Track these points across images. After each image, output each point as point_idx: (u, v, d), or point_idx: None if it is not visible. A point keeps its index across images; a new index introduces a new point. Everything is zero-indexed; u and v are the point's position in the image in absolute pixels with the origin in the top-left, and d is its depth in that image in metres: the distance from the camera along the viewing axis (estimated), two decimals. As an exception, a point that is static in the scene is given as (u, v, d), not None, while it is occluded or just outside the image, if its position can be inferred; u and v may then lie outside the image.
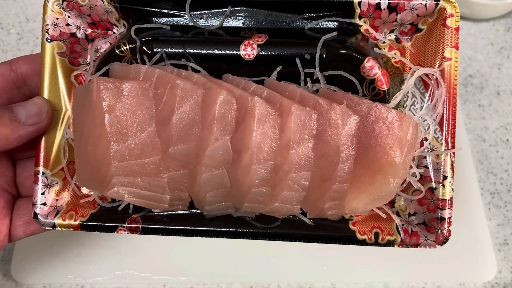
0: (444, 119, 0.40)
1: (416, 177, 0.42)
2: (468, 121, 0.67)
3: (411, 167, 0.41)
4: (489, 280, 0.58)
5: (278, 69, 0.41)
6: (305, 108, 0.38)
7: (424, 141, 0.41)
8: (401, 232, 0.42)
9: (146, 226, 0.43)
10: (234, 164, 0.39)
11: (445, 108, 0.40)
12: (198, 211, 0.43)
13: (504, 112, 0.68)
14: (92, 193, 0.45)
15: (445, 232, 0.41)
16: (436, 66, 0.40)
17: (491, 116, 0.68)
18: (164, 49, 0.41)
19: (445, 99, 0.40)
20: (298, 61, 0.40)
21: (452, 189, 0.41)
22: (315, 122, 0.38)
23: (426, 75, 0.41)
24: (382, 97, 0.41)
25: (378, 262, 0.58)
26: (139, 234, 0.43)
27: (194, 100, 0.38)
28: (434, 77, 0.40)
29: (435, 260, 0.58)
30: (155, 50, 0.41)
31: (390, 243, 0.42)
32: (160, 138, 0.39)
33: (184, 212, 0.44)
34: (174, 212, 0.44)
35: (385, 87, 0.41)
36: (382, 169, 0.39)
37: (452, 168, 0.41)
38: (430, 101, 0.41)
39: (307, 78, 0.41)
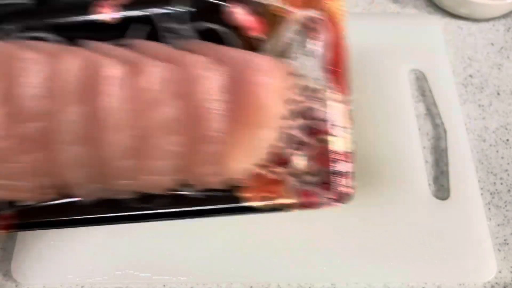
0: (333, 65, 0.36)
1: (305, 130, 0.37)
2: (468, 121, 0.67)
3: (298, 119, 0.37)
4: (489, 280, 0.57)
5: (144, 29, 0.37)
6: (167, 64, 0.34)
7: (310, 91, 0.37)
8: (297, 194, 0.37)
9: (18, 222, 0.38)
10: (93, 138, 0.35)
11: (333, 53, 0.36)
12: (77, 199, 0.38)
13: (504, 112, 0.68)
14: None
15: (345, 188, 0.36)
16: (319, 9, 0.36)
17: (491, 116, 0.68)
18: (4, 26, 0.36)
19: (333, 43, 0.36)
20: (164, 18, 0.36)
21: (352, 141, 0.36)
22: (178, 79, 0.34)
23: (311, 19, 0.37)
24: (259, 46, 0.37)
25: (378, 262, 0.58)
26: (15, 230, 0.39)
27: (41, 71, 0.33)
28: (319, 21, 0.36)
29: (435, 260, 0.58)
30: None
31: (287, 207, 0.37)
32: (9, 119, 0.34)
33: (62, 202, 0.38)
34: (51, 203, 0.38)
35: (261, 36, 0.37)
36: (259, 123, 0.35)
37: (349, 118, 0.36)
38: (315, 46, 0.37)
39: (175, 35, 0.37)
